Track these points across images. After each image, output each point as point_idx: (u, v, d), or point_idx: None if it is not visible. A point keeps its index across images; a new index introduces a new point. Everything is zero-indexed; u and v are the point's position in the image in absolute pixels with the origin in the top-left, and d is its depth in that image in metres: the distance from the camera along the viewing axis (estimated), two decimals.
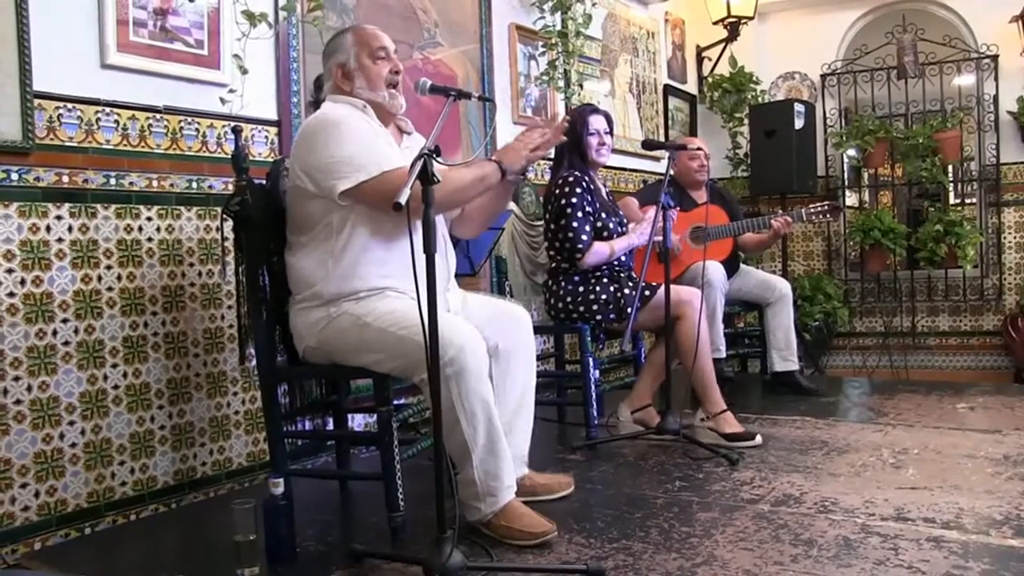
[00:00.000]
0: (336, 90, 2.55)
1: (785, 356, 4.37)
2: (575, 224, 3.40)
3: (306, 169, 2.40)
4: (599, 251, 3.43)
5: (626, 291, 3.42)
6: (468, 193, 2.46)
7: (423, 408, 2.87)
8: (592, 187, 3.49)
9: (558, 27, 4.57)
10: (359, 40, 2.54)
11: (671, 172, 3.43)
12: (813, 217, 4.23)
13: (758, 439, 3.32)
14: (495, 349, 2.61)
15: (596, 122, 3.57)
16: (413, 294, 2.18)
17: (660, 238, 3.32)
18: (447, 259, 2.60)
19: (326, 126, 2.40)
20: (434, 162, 1.99)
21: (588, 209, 3.44)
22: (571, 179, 3.45)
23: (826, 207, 4.23)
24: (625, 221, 3.65)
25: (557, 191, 3.46)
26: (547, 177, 4.06)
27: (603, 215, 3.48)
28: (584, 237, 3.40)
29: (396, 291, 2.42)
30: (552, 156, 3.65)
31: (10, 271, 2.47)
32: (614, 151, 3.94)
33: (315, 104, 2.66)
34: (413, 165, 1.96)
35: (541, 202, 3.97)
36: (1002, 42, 5.79)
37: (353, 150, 2.35)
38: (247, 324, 2.58)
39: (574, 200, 3.41)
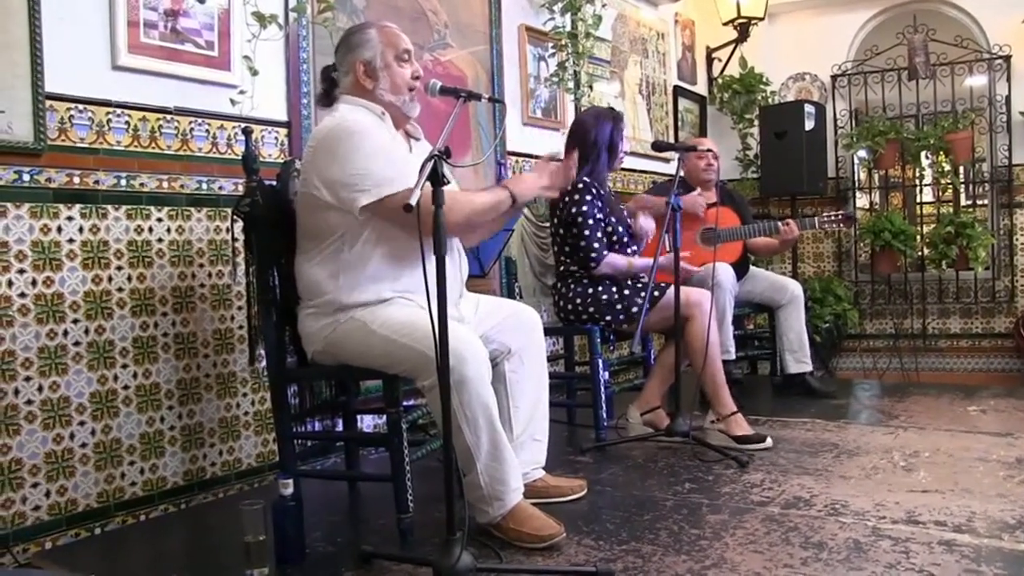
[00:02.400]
0: (355, 87, 2.50)
1: (799, 358, 4.35)
2: (587, 232, 3.40)
3: (325, 180, 2.35)
4: (614, 263, 3.42)
5: (629, 292, 3.41)
6: (483, 219, 2.48)
7: (430, 411, 2.87)
8: (601, 193, 3.48)
9: (568, 28, 4.56)
10: (386, 39, 2.49)
11: (682, 173, 3.42)
12: (826, 226, 4.23)
13: (768, 442, 3.30)
14: (509, 353, 2.62)
15: (625, 128, 3.58)
16: (421, 302, 2.18)
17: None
18: (460, 269, 2.59)
19: (348, 136, 2.34)
20: (444, 163, 1.99)
21: (599, 216, 3.43)
22: (580, 186, 3.43)
23: (839, 216, 4.23)
24: (631, 225, 3.64)
25: (567, 198, 3.45)
26: None
27: (612, 220, 3.48)
28: (596, 245, 3.40)
29: (405, 299, 2.41)
30: (560, 158, 3.65)
31: (21, 272, 2.48)
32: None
33: (326, 96, 2.60)
34: (423, 166, 1.96)
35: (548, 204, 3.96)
36: (1015, 43, 5.76)
37: (376, 164, 2.31)
38: (257, 325, 2.58)
39: (584, 208, 3.40)
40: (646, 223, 3.60)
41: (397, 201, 2.25)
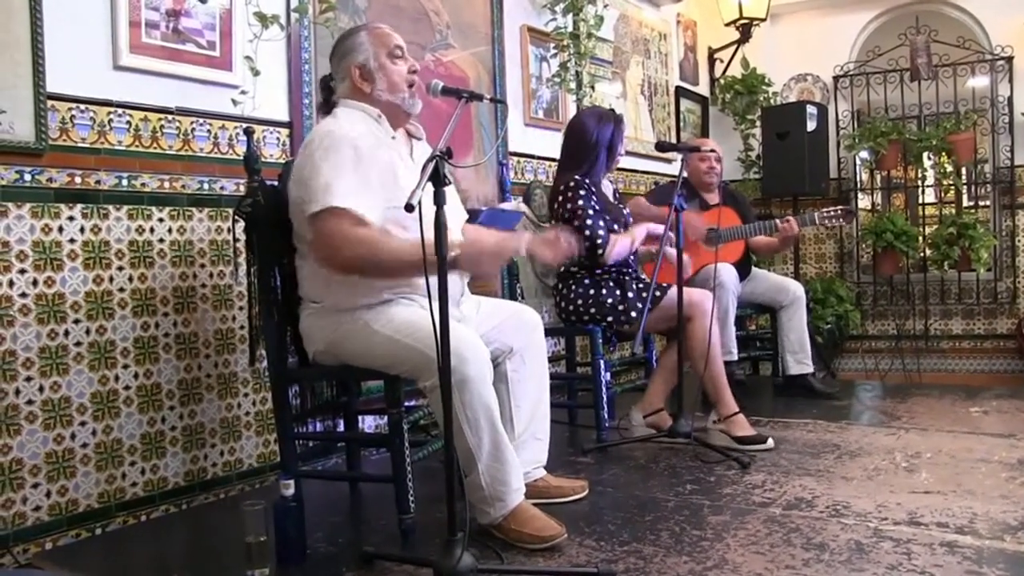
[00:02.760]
0: (353, 91, 2.51)
1: (800, 359, 4.35)
2: (589, 222, 3.38)
3: (299, 185, 2.36)
4: (618, 242, 3.42)
5: (631, 294, 3.41)
6: (387, 271, 2.32)
7: (431, 411, 2.87)
8: (593, 190, 3.47)
9: (570, 29, 4.57)
10: (376, 39, 2.50)
11: (684, 174, 3.42)
12: (826, 221, 4.22)
13: (769, 443, 3.30)
14: (511, 352, 2.61)
15: (625, 131, 3.58)
16: (423, 302, 2.18)
17: (673, 234, 3.29)
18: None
19: (324, 143, 2.32)
20: (446, 164, 1.99)
21: (597, 207, 3.43)
22: (572, 184, 3.43)
23: (839, 211, 4.22)
24: (631, 223, 3.64)
25: (561, 197, 3.45)
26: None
27: (607, 217, 3.47)
28: (600, 232, 3.38)
29: (406, 298, 2.41)
30: (559, 158, 3.65)
31: (23, 272, 2.48)
32: (626, 153, 3.94)
33: (326, 105, 2.61)
34: (425, 167, 1.95)
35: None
36: (1017, 43, 5.75)
37: (318, 181, 2.27)
38: (258, 325, 2.58)
39: (580, 202, 3.40)
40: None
41: (321, 219, 2.25)
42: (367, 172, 2.33)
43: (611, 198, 3.64)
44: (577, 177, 3.44)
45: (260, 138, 3.13)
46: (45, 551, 2.48)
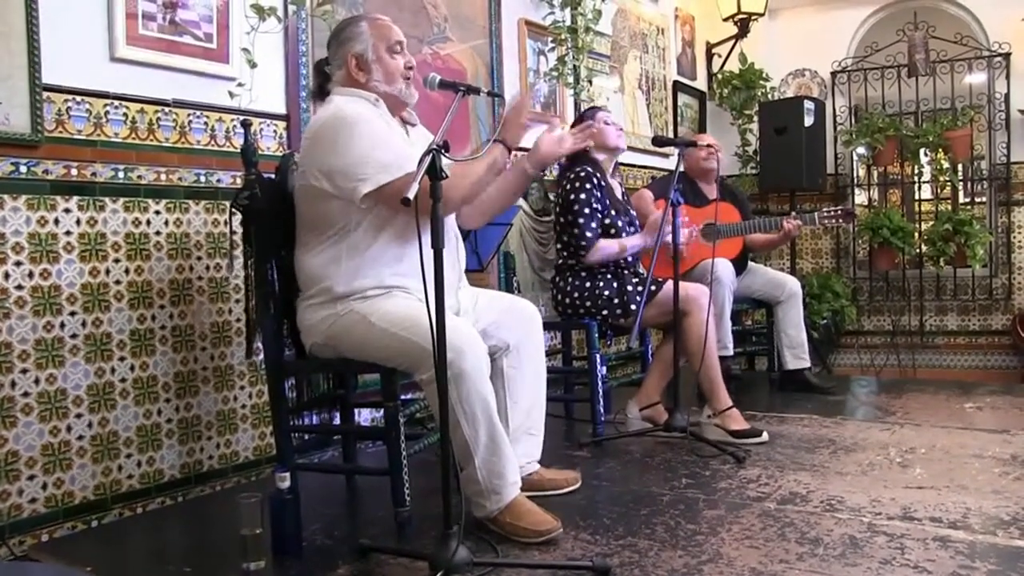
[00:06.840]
0: (348, 80, 2.51)
1: (797, 354, 4.36)
2: (580, 220, 3.39)
3: (324, 170, 2.35)
4: (605, 248, 3.42)
5: (629, 288, 3.42)
6: (484, 183, 2.45)
7: (427, 405, 2.88)
8: (603, 183, 3.48)
9: (568, 23, 4.57)
10: (377, 32, 2.50)
11: (682, 168, 3.42)
12: (826, 221, 4.23)
13: (764, 436, 3.31)
14: (507, 347, 2.62)
15: (603, 115, 3.57)
16: (421, 294, 2.18)
17: (670, 238, 3.29)
18: (458, 258, 2.59)
19: (344, 125, 2.34)
20: (443, 157, 1.99)
21: (596, 205, 3.43)
22: (583, 174, 3.43)
23: (839, 212, 4.23)
24: (636, 219, 3.64)
25: (567, 185, 3.45)
26: (556, 173, 4.05)
27: (612, 212, 3.47)
28: (588, 234, 3.39)
29: (404, 291, 2.41)
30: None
31: (18, 264, 2.47)
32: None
33: (320, 91, 2.61)
34: (421, 160, 1.95)
35: (550, 197, 3.96)
36: (1014, 40, 5.76)
37: (374, 151, 2.31)
38: (254, 318, 2.58)
39: (582, 196, 3.40)
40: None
41: (397, 188, 2.23)
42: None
43: (618, 194, 3.63)
44: (588, 168, 3.44)
45: (257, 131, 3.12)
46: (41, 543, 2.49)
